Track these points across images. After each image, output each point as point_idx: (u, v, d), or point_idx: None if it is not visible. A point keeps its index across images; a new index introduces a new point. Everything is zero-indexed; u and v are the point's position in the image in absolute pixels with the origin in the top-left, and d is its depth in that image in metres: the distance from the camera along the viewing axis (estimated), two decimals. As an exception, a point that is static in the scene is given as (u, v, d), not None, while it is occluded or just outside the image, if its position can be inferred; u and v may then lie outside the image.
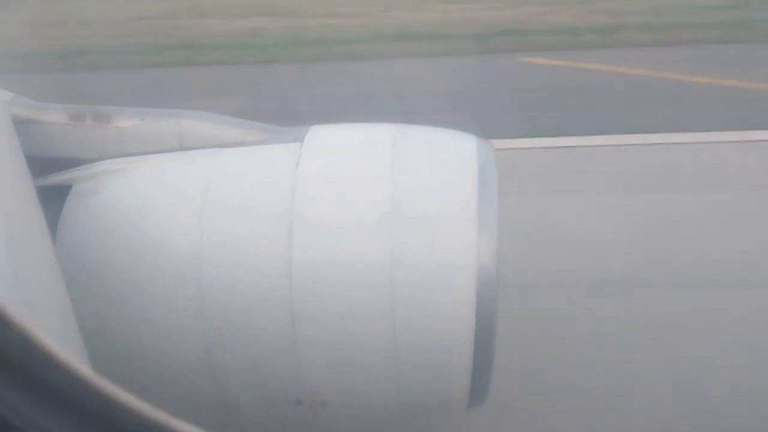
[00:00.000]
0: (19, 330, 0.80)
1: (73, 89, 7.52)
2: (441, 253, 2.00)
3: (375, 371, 2.04)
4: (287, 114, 6.30)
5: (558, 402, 3.12)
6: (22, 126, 2.15)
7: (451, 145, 2.24)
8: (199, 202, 2.06)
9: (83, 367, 0.82)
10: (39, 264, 1.72)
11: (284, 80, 8.63)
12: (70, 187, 2.20)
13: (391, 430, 2.44)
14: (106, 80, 8.87)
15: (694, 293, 3.81)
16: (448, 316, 1.99)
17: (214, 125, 2.27)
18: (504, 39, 9.79)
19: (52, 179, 2.22)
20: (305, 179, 2.06)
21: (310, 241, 1.99)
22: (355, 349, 2.01)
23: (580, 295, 3.82)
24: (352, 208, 2.03)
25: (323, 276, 1.99)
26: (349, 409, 2.19)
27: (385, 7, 12.28)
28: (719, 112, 6.62)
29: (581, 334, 3.50)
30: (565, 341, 3.44)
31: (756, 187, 4.99)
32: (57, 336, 1.50)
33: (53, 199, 2.12)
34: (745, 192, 4.88)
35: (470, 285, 1.96)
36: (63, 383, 0.81)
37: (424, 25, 10.72)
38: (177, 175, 2.17)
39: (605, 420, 3.05)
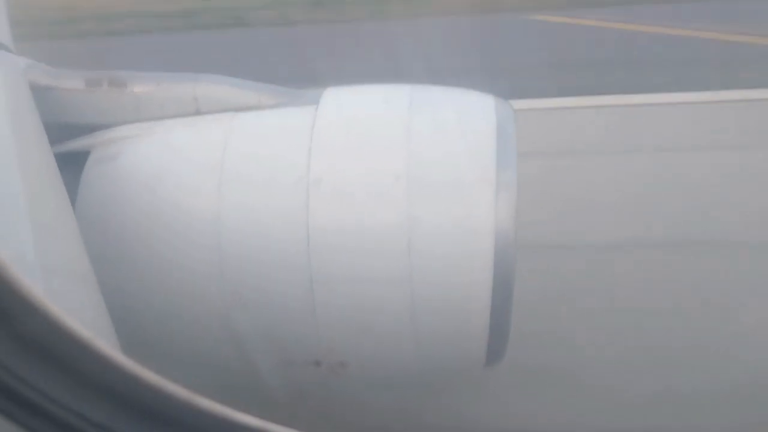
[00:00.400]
0: (36, 306, 0.81)
1: None
2: (458, 216, 1.99)
3: (393, 333, 2.06)
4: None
5: (574, 361, 3.14)
6: (39, 93, 2.16)
7: (469, 105, 2.22)
8: (216, 166, 2.06)
9: (104, 344, 0.83)
10: (61, 230, 1.74)
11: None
12: (88, 153, 2.22)
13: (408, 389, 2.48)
14: None
15: (712, 253, 3.78)
16: (465, 278, 2.00)
17: (229, 89, 2.26)
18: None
19: (71, 146, 2.24)
20: (321, 143, 2.06)
21: (326, 205, 2.00)
22: (372, 312, 2.04)
23: (596, 255, 3.81)
24: (368, 171, 2.03)
25: (340, 240, 2.00)
26: (367, 369, 2.22)
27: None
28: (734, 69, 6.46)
29: (597, 294, 3.51)
30: (581, 301, 3.44)
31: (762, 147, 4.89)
32: (80, 302, 1.53)
33: (72, 166, 2.15)
34: (753, 152, 4.79)
35: (488, 247, 1.96)
36: (85, 360, 0.83)
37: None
38: (194, 139, 2.17)
39: (617, 379, 3.07)
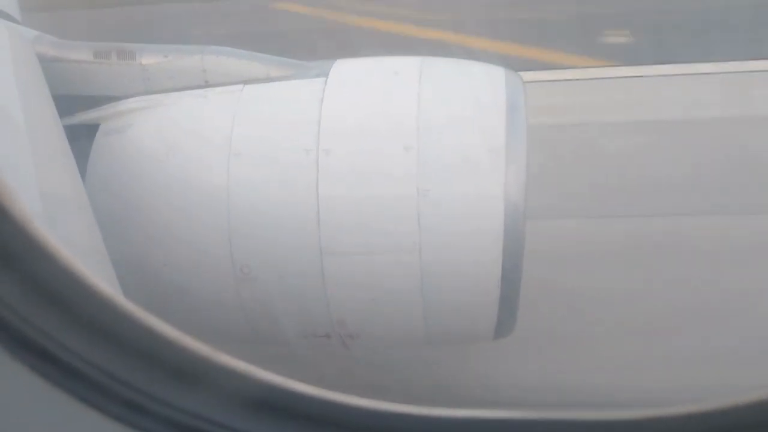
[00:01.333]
0: (64, 268, 0.82)
1: None
2: (468, 187, 1.99)
3: (403, 304, 2.07)
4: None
5: (581, 332, 3.15)
6: (47, 64, 2.16)
7: (479, 76, 2.20)
8: (225, 138, 2.06)
9: (132, 305, 0.84)
10: (71, 202, 1.74)
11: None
12: (97, 125, 2.22)
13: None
14: None
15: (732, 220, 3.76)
16: (475, 249, 2.00)
17: (238, 61, 2.25)
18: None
19: (80, 118, 2.24)
20: (330, 115, 2.05)
21: (336, 176, 1.99)
22: (382, 283, 2.04)
23: (605, 225, 3.80)
24: (378, 142, 2.02)
25: (350, 211, 2.00)
26: (377, 340, 2.23)
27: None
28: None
29: (607, 265, 3.50)
30: (591, 273, 3.44)
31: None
32: (91, 273, 1.53)
33: (82, 138, 2.15)
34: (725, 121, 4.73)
35: (498, 216, 1.96)
36: (109, 318, 0.84)
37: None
38: (202, 112, 2.17)
39: (624, 342, 3.08)
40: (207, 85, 2.23)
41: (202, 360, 0.83)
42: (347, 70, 2.21)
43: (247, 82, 2.20)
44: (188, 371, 0.83)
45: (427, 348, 2.40)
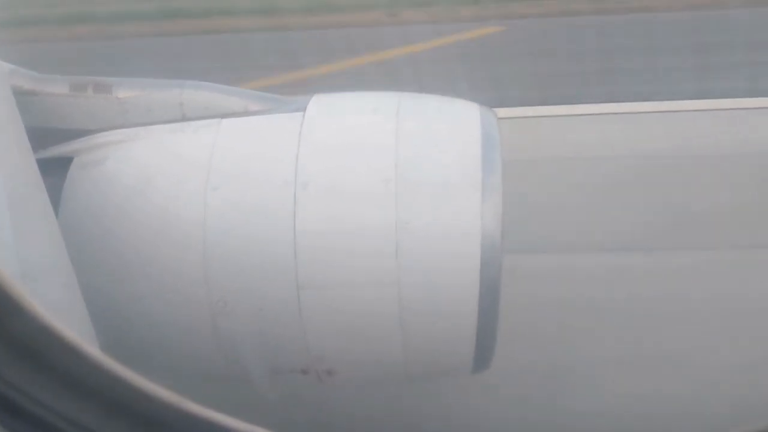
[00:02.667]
0: (30, 313, 0.80)
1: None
2: (445, 220, 2.00)
3: (380, 339, 2.06)
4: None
5: (561, 366, 3.14)
6: (23, 98, 2.14)
7: (455, 112, 2.23)
8: (202, 172, 2.05)
9: (97, 351, 0.82)
10: (42, 237, 1.72)
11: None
12: (71, 158, 2.20)
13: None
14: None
15: (698, 257, 3.80)
16: (452, 282, 2.00)
17: (216, 95, 2.26)
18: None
19: (54, 151, 2.22)
20: (308, 148, 2.05)
21: (313, 210, 1.99)
22: (360, 316, 2.03)
23: (584, 260, 3.82)
24: (355, 175, 2.03)
25: (327, 244, 1.99)
26: (355, 376, 2.21)
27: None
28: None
29: (586, 302, 3.51)
30: (570, 308, 3.45)
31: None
32: (62, 309, 1.51)
33: (56, 171, 2.12)
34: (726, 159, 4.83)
35: (475, 251, 1.96)
36: (77, 367, 0.82)
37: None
38: (180, 145, 2.16)
39: (604, 382, 3.08)
40: (184, 118, 2.22)
41: (167, 406, 0.81)
42: (325, 104, 2.22)
43: (225, 115, 2.20)
44: (158, 421, 0.82)
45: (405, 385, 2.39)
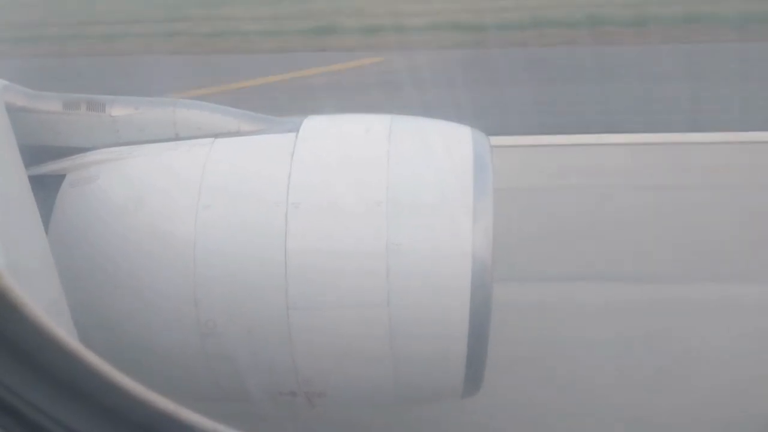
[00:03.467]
0: (30, 319, 0.80)
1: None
2: (436, 242, 2.00)
3: (370, 361, 2.04)
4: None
5: (548, 392, 3.13)
6: (16, 114, 2.14)
7: (447, 135, 2.23)
8: (194, 191, 2.05)
9: (94, 357, 0.81)
10: (31, 254, 1.71)
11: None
12: (63, 176, 2.19)
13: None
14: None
15: (684, 286, 3.82)
16: (443, 304, 1.99)
17: (209, 114, 2.26)
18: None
19: (46, 168, 2.21)
20: (301, 169, 2.05)
21: (305, 231, 1.98)
22: (350, 338, 2.01)
23: (573, 287, 3.83)
24: (347, 197, 2.03)
25: (318, 265, 1.98)
26: (344, 398, 2.19)
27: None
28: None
29: (574, 326, 3.51)
30: (558, 332, 3.44)
31: (738, 186, 4.97)
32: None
33: (47, 188, 2.12)
34: (726, 189, 4.88)
35: (465, 273, 1.96)
36: (73, 371, 0.81)
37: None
38: (172, 164, 2.16)
39: (594, 412, 3.06)
40: (177, 138, 2.22)
41: (167, 416, 0.81)
42: (318, 126, 2.22)
43: (217, 135, 2.21)
44: (152, 427, 0.81)
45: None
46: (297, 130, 2.16)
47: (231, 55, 9.57)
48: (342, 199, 2.02)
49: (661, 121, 6.12)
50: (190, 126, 2.22)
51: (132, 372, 0.91)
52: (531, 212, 4.44)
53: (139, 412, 0.82)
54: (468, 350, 1.99)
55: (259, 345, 2.03)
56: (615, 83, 7.18)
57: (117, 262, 2.06)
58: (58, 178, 2.18)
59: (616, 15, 9.32)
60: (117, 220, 2.09)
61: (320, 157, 2.11)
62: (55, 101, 2.27)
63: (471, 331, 1.97)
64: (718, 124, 6.01)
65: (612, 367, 3.27)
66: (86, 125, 2.25)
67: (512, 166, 4.61)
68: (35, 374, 0.82)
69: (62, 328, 1.55)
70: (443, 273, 1.98)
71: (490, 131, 2.29)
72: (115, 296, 2.05)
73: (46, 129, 2.25)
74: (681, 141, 5.85)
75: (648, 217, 4.53)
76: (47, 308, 1.61)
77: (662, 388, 3.16)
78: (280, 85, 8.10)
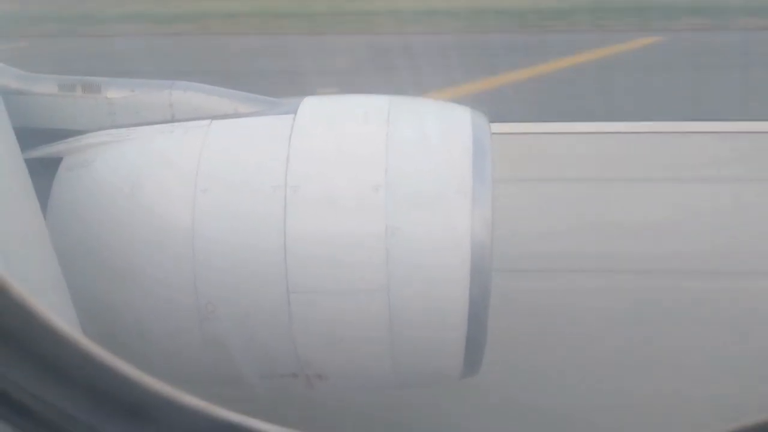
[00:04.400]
0: (19, 302, 0.79)
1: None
2: (435, 227, 1.99)
3: (370, 345, 2.04)
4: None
5: (543, 379, 3.15)
6: (10, 97, 2.12)
7: (446, 117, 2.22)
8: (191, 174, 2.03)
9: (87, 341, 0.81)
10: (30, 238, 1.70)
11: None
12: (60, 159, 2.18)
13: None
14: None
15: (684, 283, 3.82)
16: (443, 288, 1.99)
17: (205, 96, 2.24)
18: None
19: (42, 151, 2.19)
20: (299, 152, 2.04)
21: (304, 215, 1.98)
22: (350, 322, 2.01)
23: (572, 280, 3.83)
24: (346, 181, 2.02)
25: (318, 249, 1.98)
26: (344, 381, 2.20)
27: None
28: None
29: (574, 322, 3.52)
30: (558, 329, 3.44)
31: (748, 179, 4.95)
32: (50, 310, 1.48)
33: (43, 172, 2.10)
34: (739, 183, 4.86)
35: (465, 258, 1.96)
36: (67, 357, 0.81)
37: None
38: (169, 147, 2.14)
39: (585, 400, 3.08)
40: (174, 120, 2.20)
41: (162, 399, 0.81)
42: (316, 107, 2.21)
43: (215, 117, 2.19)
44: (147, 411, 0.81)
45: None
46: (294, 112, 2.15)
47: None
48: (340, 184, 2.01)
49: None
50: (187, 108, 2.20)
51: (129, 358, 0.90)
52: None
53: (134, 396, 0.81)
54: (467, 333, 2.00)
55: (259, 328, 2.04)
56: None
57: (114, 246, 2.05)
58: (54, 162, 2.16)
59: None
60: (114, 204, 2.07)
61: (319, 141, 2.10)
62: (50, 83, 2.24)
63: (470, 315, 1.98)
64: None
65: (610, 362, 3.27)
66: (82, 108, 2.23)
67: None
68: (24, 357, 0.82)
69: (61, 312, 1.55)
70: (442, 257, 1.98)
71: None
72: (113, 281, 2.05)
73: (42, 111, 2.23)
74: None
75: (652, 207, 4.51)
76: (47, 293, 1.61)
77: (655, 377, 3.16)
78: (595, 63, 8.50)
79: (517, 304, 3.22)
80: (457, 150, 2.06)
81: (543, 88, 8.18)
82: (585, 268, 3.94)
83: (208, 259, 2.00)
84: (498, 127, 2.29)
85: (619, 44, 9.41)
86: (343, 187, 2.01)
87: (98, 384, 0.82)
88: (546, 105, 7.29)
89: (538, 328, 3.41)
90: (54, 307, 1.52)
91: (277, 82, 7.76)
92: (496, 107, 5.99)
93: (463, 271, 1.96)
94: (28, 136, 2.08)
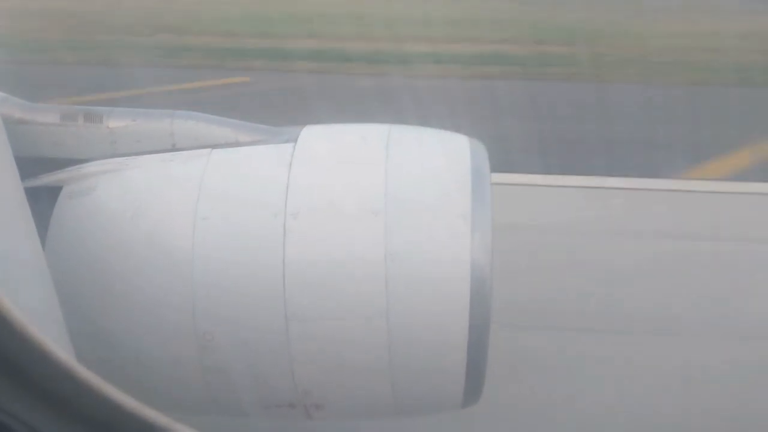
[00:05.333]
0: (19, 332, 0.79)
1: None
2: (435, 252, 1.99)
3: (369, 372, 2.03)
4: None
5: (544, 401, 3.12)
6: (13, 126, 2.14)
7: (444, 145, 2.24)
8: (191, 203, 2.04)
9: (85, 370, 0.81)
10: (27, 267, 1.70)
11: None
12: (60, 188, 2.19)
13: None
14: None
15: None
16: (442, 314, 1.99)
17: (206, 125, 2.26)
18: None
19: (43, 180, 2.21)
20: (298, 179, 2.05)
21: (303, 241, 1.98)
22: (349, 349, 2.00)
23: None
24: (345, 207, 2.03)
25: (317, 276, 1.98)
26: (342, 410, 2.18)
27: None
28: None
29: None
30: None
31: (704, 238, 4.90)
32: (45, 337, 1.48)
33: (44, 201, 2.11)
34: (697, 241, 4.80)
35: (464, 283, 1.95)
36: (65, 386, 0.81)
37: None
38: (169, 176, 2.16)
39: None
40: (175, 149, 2.22)
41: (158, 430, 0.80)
42: (316, 135, 2.22)
43: (215, 146, 2.20)
44: None
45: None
46: (295, 141, 2.16)
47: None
48: (340, 208, 2.02)
49: None
50: (188, 137, 2.22)
51: (127, 385, 0.90)
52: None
53: (130, 427, 0.81)
54: (468, 359, 1.99)
55: (258, 356, 2.03)
56: None
57: (114, 273, 2.05)
58: (55, 190, 2.18)
59: None
60: (114, 231, 2.08)
61: (318, 167, 2.11)
62: (52, 113, 2.26)
63: (470, 340, 1.97)
64: None
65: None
66: (83, 137, 2.24)
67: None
68: (20, 385, 0.81)
69: (57, 341, 1.54)
70: (442, 282, 1.98)
71: None
72: (113, 308, 2.04)
73: (43, 141, 2.25)
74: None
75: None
76: (42, 320, 1.61)
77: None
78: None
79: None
80: (456, 176, 2.07)
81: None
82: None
83: (208, 288, 2.00)
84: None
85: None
86: (342, 213, 2.02)
87: (94, 413, 0.81)
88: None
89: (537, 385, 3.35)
90: (49, 336, 1.51)
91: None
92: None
93: (463, 296, 1.95)
94: (30, 165, 2.09)
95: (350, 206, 2.02)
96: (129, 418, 0.81)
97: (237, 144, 2.21)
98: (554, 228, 4.89)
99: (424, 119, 2.70)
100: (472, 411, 2.18)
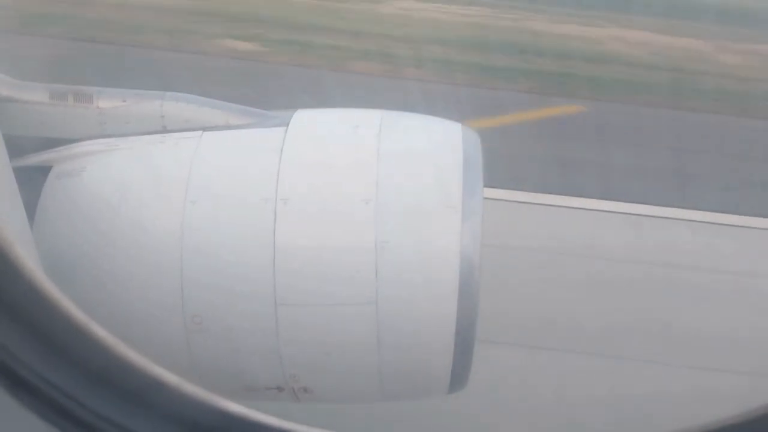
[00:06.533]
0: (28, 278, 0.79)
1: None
2: (424, 241, 2.00)
3: (357, 358, 2.04)
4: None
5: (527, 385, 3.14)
6: (1, 105, 2.11)
7: (437, 132, 2.23)
8: (181, 185, 2.03)
9: (95, 325, 0.81)
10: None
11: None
12: (50, 167, 2.17)
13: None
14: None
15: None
16: (430, 301, 2.00)
17: (197, 108, 2.24)
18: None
19: (32, 160, 2.19)
20: (290, 164, 2.04)
21: (293, 227, 1.98)
22: (337, 335, 2.01)
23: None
24: (336, 194, 2.02)
25: (307, 262, 1.98)
26: (330, 394, 2.19)
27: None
28: None
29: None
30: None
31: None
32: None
33: (33, 180, 2.09)
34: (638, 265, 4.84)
35: (453, 272, 1.96)
36: (70, 335, 0.81)
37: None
38: (159, 157, 2.14)
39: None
40: (165, 130, 2.20)
41: (164, 386, 0.81)
42: (308, 120, 2.21)
43: (206, 129, 2.19)
44: (149, 395, 0.81)
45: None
46: (286, 125, 2.15)
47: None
48: (331, 196, 2.02)
49: None
50: (178, 119, 2.21)
51: None
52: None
53: (135, 380, 0.82)
54: (455, 345, 2.00)
55: (246, 340, 2.03)
56: None
57: (103, 255, 2.04)
58: (44, 170, 2.16)
59: None
60: (103, 213, 2.07)
61: (310, 153, 2.10)
62: (41, 92, 2.24)
63: (458, 328, 1.98)
64: None
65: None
66: (73, 116, 2.22)
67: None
68: (33, 335, 0.82)
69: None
70: (431, 270, 1.98)
71: None
72: (100, 290, 2.03)
73: (32, 120, 2.22)
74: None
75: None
76: None
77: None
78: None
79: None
80: (447, 164, 2.07)
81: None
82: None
83: (196, 271, 1.99)
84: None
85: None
86: (333, 200, 2.01)
87: (99, 365, 0.82)
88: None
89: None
90: None
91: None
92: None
93: (452, 284, 1.96)
94: (20, 143, 2.07)
95: (341, 194, 2.02)
96: (135, 373, 0.82)
97: (228, 127, 2.20)
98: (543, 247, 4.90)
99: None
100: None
